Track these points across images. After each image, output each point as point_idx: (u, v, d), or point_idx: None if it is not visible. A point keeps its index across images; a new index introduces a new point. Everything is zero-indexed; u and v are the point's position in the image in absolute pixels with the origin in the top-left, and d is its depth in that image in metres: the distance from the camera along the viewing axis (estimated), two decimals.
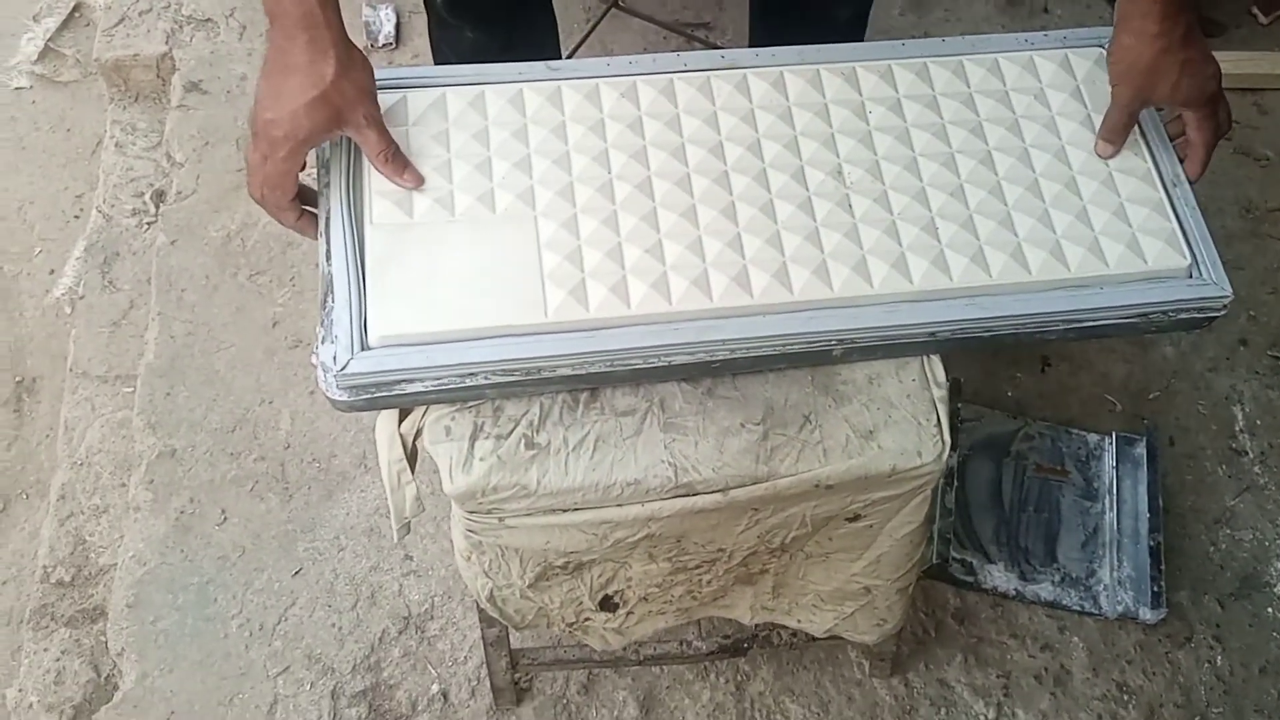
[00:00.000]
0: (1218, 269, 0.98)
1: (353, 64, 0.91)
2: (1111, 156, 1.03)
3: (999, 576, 1.44)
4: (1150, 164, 1.03)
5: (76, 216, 1.87)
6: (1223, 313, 0.98)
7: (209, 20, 1.96)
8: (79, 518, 1.53)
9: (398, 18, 1.96)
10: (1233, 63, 1.93)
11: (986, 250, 0.96)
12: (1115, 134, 1.03)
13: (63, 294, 1.79)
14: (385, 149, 0.94)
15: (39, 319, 1.78)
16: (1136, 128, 1.04)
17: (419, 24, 1.97)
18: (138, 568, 1.45)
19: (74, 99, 2.02)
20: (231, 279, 1.69)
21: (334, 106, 0.90)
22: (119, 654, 1.40)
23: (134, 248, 1.76)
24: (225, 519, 1.49)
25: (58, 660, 1.43)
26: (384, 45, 1.93)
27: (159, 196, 1.80)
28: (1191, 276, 0.98)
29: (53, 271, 1.82)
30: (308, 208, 0.96)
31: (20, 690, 1.41)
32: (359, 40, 1.86)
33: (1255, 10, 2.04)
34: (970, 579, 1.44)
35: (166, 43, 1.93)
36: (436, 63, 1.51)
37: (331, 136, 0.93)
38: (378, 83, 0.96)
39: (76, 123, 1.99)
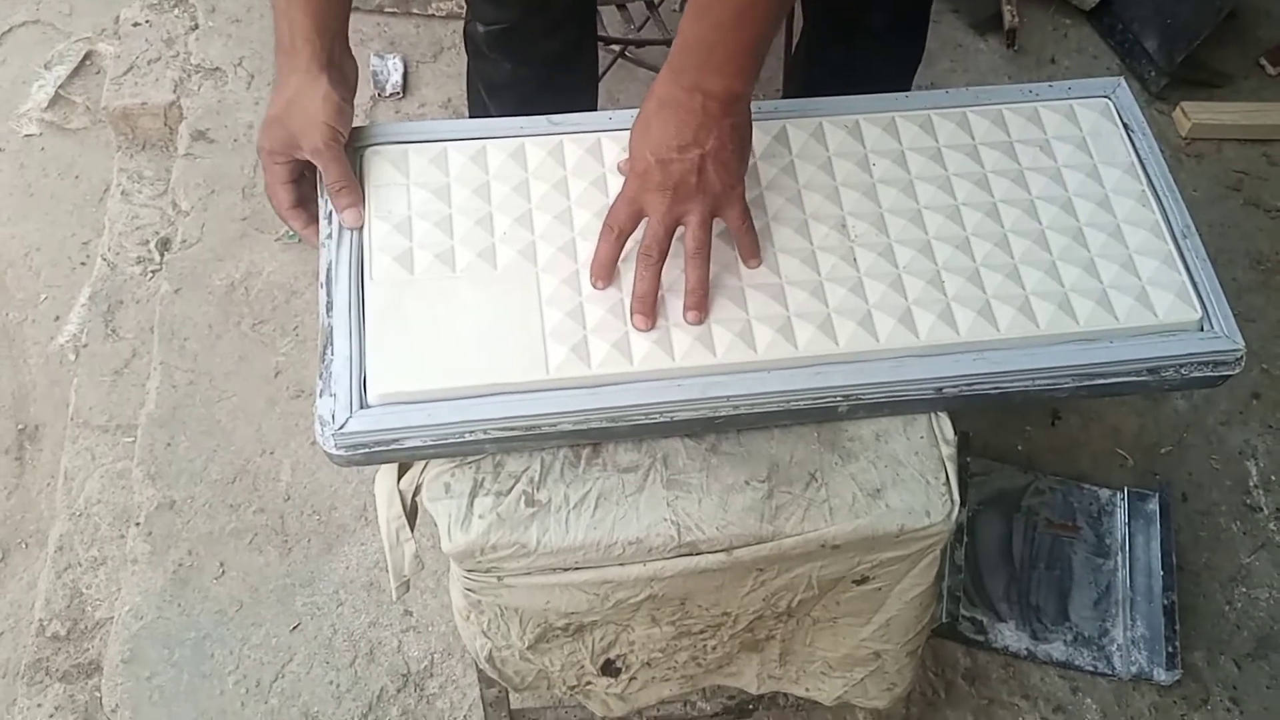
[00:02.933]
0: (1229, 322, 0.96)
1: (311, 94, 0.93)
2: None
3: (1010, 636, 1.41)
4: (1159, 215, 1.01)
5: (82, 264, 1.87)
6: (1236, 370, 0.96)
7: (217, 69, 1.97)
8: (76, 570, 1.51)
9: (405, 67, 1.97)
10: (1242, 114, 1.94)
11: (994, 304, 0.95)
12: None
13: (66, 341, 1.78)
14: (332, 182, 0.95)
15: (43, 366, 1.77)
16: (1144, 178, 1.03)
17: (426, 73, 1.98)
18: (134, 622, 1.43)
19: (83, 146, 2.02)
20: (235, 328, 1.68)
21: (287, 129, 0.94)
22: (113, 710, 1.38)
23: (138, 296, 1.76)
24: (224, 572, 1.47)
25: (51, 716, 1.40)
26: (391, 95, 1.94)
27: (164, 245, 1.80)
28: (1203, 330, 0.96)
29: (58, 318, 1.81)
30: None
31: None
32: (365, 90, 1.87)
33: (1264, 61, 2.05)
34: (981, 638, 1.41)
35: (174, 91, 1.94)
36: (470, 99, 1.50)
37: (297, 155, 0.96)
38: (380, 138, 0.98)
39: (85, 170, 1.99)
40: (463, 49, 1.40)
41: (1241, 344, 0.95)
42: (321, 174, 0.96)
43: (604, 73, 1.83)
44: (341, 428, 0.86)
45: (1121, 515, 1.49)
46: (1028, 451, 1.59)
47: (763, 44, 0.87)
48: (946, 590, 1.37)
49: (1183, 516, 1.54)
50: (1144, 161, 1.04)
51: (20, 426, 1.71)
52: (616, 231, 0.91)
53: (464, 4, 1.40)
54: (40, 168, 2.00)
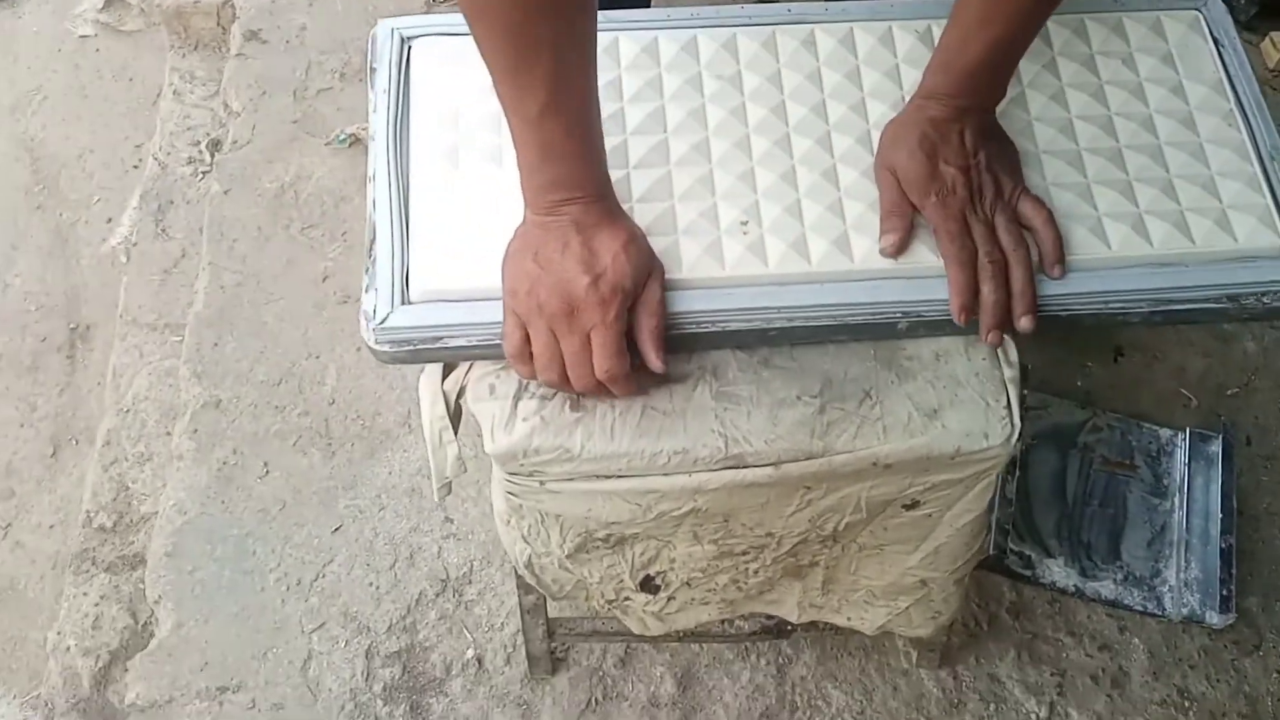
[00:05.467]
0: None
1: (634, 225, 0.86)
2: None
3: (1058, 572, 1.38)
4: (1245, 135, 0.96)
5: (135, 166, 1.87)
6: None
7: None
8: (123, 464, 1.53)
9: None
10: None
11: (1064, 224, 0.91)
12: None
13: (118, 243, 1.78)
14: (660, 318, 0.85)
15: (94, 267, 1.77)
16: (1232, 96, 0.97)
17: None
18: (178, 517, 1.44)
19: (137, 48, 2.01)
20: (283, 231, 1.67)
21: (646, 251, 0.85)
22: (156, 602, 1.40)
23: (188, 196, 1.75)
24: (267, 472, 1.48)
25: (96, 605, 1.42)
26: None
27: (214, 146, 1.79)
28: None
29: (110, 220, 1.82)
30: None
31: (59, 633, 1.41)
32: None
33: None
34: (1028, 573, 1.38)
35: None
36: None
37: (639, 291, 0.84)
38: (431, 29, 0.96)
39: (139, 72, 1.98)
40: None
41: None
42: (648, 303, 0.84)
43: None
44: (383, 322, 0.85)
45: (1182, 456, 1.44)
46: (1087, 388, 1.54)
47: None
48: (995, 523, 1.34)
49: (1245, 460, 1.49)
50: (1233, 79, 0.99)
51: (72, 326, 1.72)
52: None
53: None
54: (95, 69, 1.99)
